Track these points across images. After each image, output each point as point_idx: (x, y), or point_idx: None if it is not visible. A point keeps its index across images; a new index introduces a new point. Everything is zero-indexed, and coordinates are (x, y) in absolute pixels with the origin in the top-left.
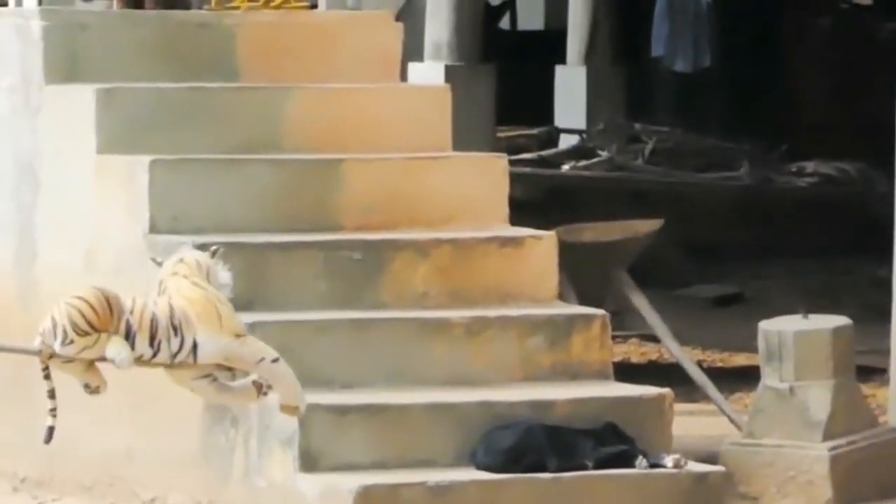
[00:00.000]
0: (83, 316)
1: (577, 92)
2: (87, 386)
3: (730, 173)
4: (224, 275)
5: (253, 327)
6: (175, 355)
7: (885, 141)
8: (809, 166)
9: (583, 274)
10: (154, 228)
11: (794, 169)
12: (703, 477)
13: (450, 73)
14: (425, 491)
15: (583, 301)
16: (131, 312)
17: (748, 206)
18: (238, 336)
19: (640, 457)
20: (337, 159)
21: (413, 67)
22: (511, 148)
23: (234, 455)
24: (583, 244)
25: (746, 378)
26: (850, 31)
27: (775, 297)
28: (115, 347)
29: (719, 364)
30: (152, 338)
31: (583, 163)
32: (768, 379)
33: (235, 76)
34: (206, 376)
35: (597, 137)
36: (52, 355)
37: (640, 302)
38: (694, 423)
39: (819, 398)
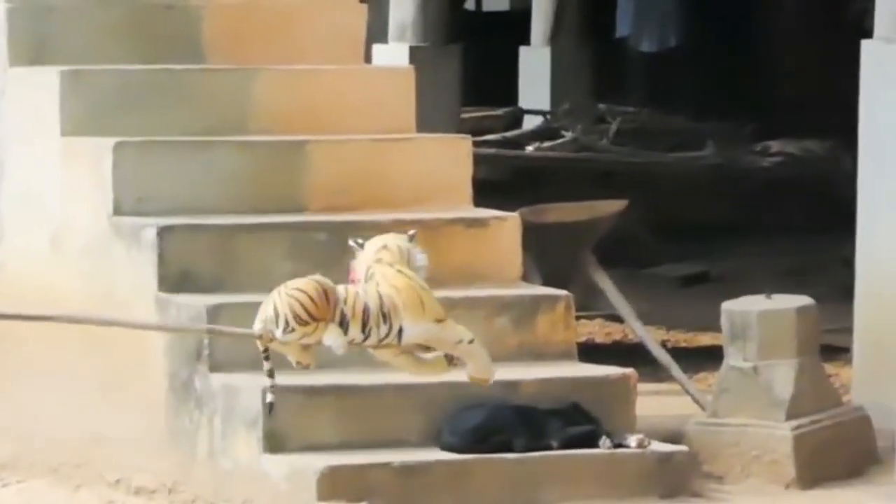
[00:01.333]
0: (304, 307)
1: (541, 73)
2: (298, 363)
3: (696, 153)
4: (420, 257)
5: (219, 309)
6: (382, 339)
7: (853, 119)
8: (774, 146)
9: (548, 255)
10: (119, 210)
11: (758, 148)
12: (667, 457)
13: (414, 54)
14: (391, 471)
15: (548, 282)
16: (345, 302)
17: (715, 185)
18: (439, 321)
19: (604, 437)
20: (302, 141)
21: (377, 49)
22: (476, 129)
23: (199, 436)
24: (547, 225)
25: (711, 358)
26: (818, 9)
27: (743, 276)
28: (332, 335)
29: (684, 344)
30: (364, 325)
31: (547, 144)
32: (732, 359)
33: (201, 58)
34: (405, 352)
35: (562, 118)
36: (272, 339)
37: (604, 282)
38: (658, 403)
39: (783, 378)
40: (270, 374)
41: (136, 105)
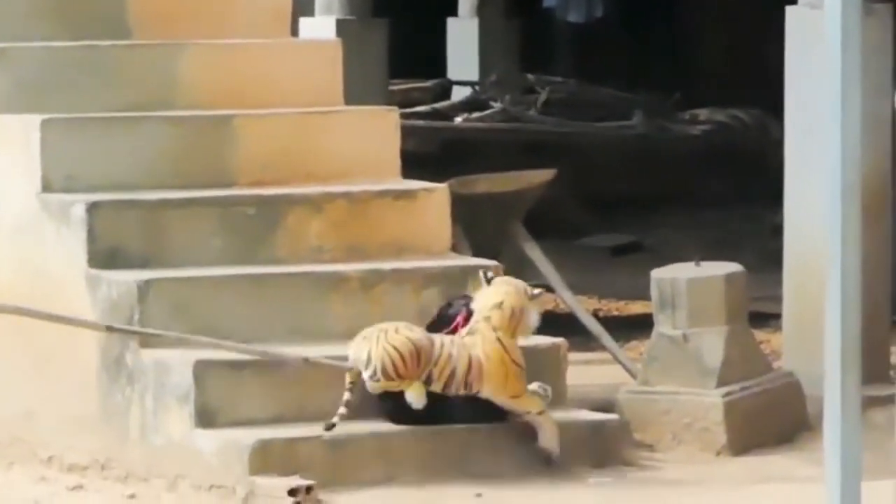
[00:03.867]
0: (394, 365)
1: (469, 44)
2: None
3: (624, 123)
4: (534, 318)
5: (149, 285)
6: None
7: (779, 88)
8: (703, 114)
9: (477, 226)
10: (47, 187)
11: (686, 117)
12: (598, 425)
13: (341, 27)
14: (322, 445)
15: (478, 253)
16: (435, 364)
17: (644, 155)
18: (514, 397)
19: None
20: (230, 115)
21: (304, 22)
22: (404, 101)
23: (131, 413)
24: (476, 195)
25: (642, 326)
26: None
27: (673, 245)
28: (414, 393)
29: (615, 313)
30: (445, 386)
31: (476, 114)
32: (662, 327)
33: (128, 34)
34: None
35: (490, 89)
36: (358, 377)
37: (533, 252)
38: (589, 372)
39: (712, 345)
40: (347, 404)
41: (63, 82)
